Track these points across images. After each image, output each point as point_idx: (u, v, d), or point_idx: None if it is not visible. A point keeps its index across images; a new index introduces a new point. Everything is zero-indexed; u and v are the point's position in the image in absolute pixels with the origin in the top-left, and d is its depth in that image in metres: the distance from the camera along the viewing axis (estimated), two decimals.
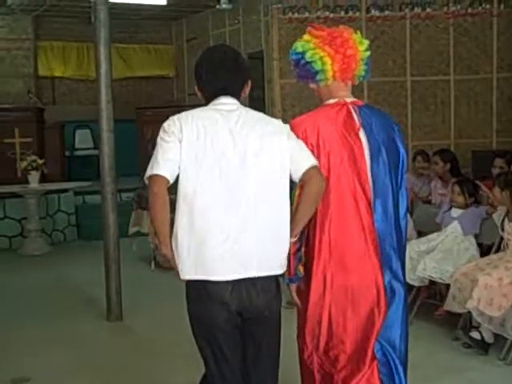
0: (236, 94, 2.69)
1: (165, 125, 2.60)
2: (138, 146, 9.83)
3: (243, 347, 2.63)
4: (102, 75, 5.28)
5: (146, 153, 9.25)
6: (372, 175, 2.78)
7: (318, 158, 2.70)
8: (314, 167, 2.62)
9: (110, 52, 5.35)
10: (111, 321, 5.32)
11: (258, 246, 2.54)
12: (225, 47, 2.82)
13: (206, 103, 2.70)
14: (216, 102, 2.66)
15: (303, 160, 2.63)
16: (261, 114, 2.75)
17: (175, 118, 2.61)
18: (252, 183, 2.54)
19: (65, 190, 8.95)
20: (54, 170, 9.02)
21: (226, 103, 2.65)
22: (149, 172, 2.54)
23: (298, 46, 2.91)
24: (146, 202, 7.26)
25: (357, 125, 2.81)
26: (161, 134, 2.59)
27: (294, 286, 2.78)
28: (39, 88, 11.18)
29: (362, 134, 2.81)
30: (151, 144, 10.19)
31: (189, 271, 2.54)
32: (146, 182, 2.55)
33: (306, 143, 2.71)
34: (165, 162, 2.51)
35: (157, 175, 2.51)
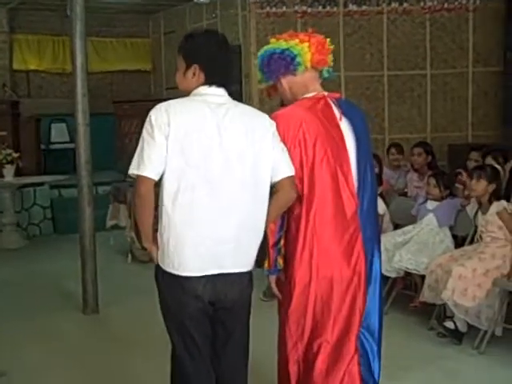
0: (227, 84, 2.64)
1: (152, 116, 2.51)
2: (115, 139, 9.77)
3: (213, 333, 2.64)
4: (77, 68, 5.24)
5: (123, 146, 9.19)
6: (357, 166, 2.81)
7: (304, 151, 2.71)
8: (288, 178, 2.63)
9: (86, 45, 5.32)
10: (87, 314, 5.30)
11: (237, 245, 2.55)
12: (219, 34, 2.72)
13: (195, 87, 2.61)
14: (206, 91, 2.59)
15: (280, 167, 2.63)
16: (249, 109, 2.73)
17: (163, 108, 2.52)
18: (235, 183, 2.53)
19: (40, 184, 8.84)
20: (30, 164, 8.91)
21: (217, 95, 2.60)
22: (135, 170, 2.49)
23: (267, 47, 2.91)
24: (124, 196, 7.24)
25: (337, 116, 2.82)
26: (147, 126, 2.50)
27: (273, 278, 2.81)
28: (14, 81, 11.05)
29: (343, 126, 2.82)
30: (128, 138, 10.10)
31: (165, 263, 2.55)
32: (131, 175, 2.52)
33: (293, 139, 2.70)
34: (151, 162, 2.46)
35: (144, 177, 2.48)
